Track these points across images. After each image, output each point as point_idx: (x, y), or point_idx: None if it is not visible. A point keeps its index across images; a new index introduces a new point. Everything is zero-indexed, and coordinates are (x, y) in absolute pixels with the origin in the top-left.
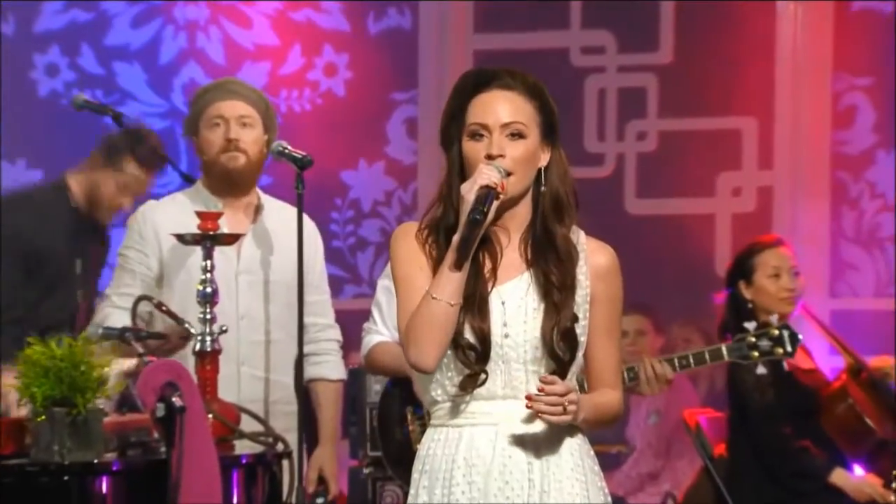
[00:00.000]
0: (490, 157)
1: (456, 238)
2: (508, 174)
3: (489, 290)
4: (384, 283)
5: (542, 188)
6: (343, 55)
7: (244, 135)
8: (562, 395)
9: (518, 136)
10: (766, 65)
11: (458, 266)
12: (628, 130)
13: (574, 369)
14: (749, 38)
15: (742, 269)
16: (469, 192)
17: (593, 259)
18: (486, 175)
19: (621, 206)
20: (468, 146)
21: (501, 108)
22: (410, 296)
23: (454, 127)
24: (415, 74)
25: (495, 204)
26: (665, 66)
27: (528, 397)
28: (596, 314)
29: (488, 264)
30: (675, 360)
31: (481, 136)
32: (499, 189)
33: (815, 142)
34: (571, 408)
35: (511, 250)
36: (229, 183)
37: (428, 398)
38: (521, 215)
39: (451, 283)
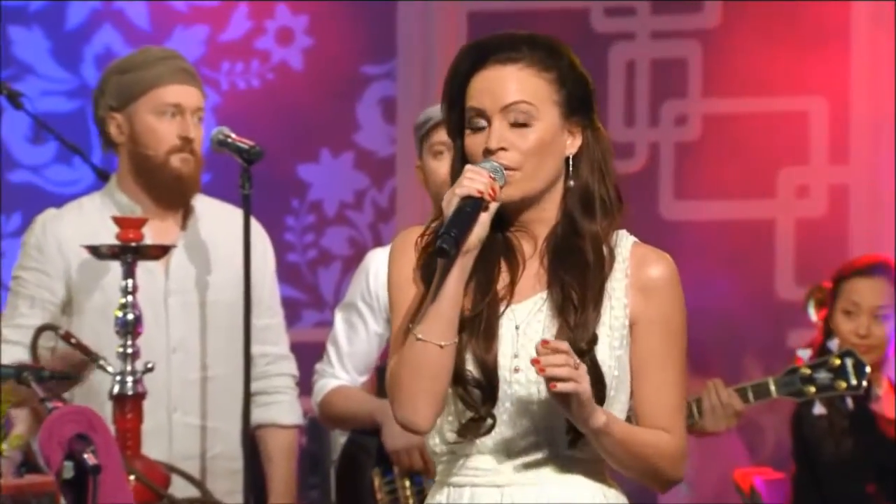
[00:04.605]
0: (489, 152)
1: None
2: (510, 170)
3: (500, 310)
4: (343, 315)
5: (570, 182)
6: (301, 17)
7: (198, 133)
8: (566, 353)
9: (524, 122)
10: (838, 30)
11: (441, 301)
12: (664, 113)
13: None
14: None
15: (833, 290)
16: (448, 204)
17: (638, 270)
18: (466, 181)
19: (655, 209)
20: (468, 140)
21: (500, 86)
22: (401, 332)
23: (455, 116)
24: (393, 42)
25: (484, 216)
26: (711, 32)
27: (535, 361)
28: (641, 340)
29: (506, 278)
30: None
31: (481, 126)
32: (486, 197)
33: None
34: (580, 371)
35: (534, 261)
36: (177, 190)
37: (428, 450)
38: (548, 218)
39: (439, 318)
